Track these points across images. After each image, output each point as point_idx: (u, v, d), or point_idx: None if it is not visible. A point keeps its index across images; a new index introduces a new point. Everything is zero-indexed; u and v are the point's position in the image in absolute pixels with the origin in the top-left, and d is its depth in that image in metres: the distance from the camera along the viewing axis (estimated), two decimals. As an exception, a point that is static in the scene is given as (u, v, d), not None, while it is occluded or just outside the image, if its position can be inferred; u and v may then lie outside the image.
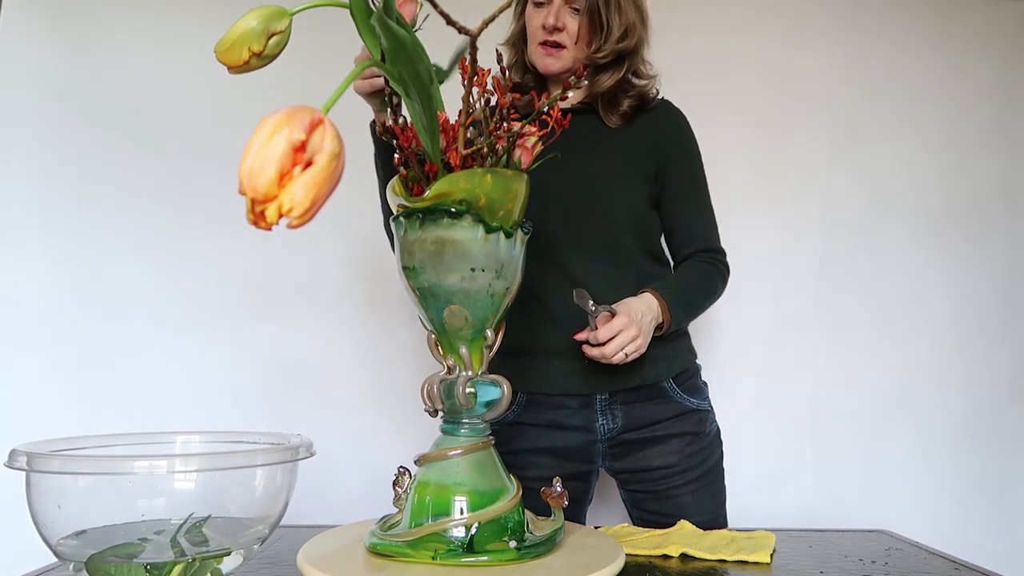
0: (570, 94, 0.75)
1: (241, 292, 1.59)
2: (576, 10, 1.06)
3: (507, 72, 0.75)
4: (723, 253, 1.17)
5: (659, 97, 1.17)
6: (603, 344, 0.96)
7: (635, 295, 1.05)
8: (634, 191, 1.11)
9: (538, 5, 1.08)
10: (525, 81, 1.15)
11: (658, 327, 1.04)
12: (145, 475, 0.65)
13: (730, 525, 1.13)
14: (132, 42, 1.56)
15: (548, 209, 1.08)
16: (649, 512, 1.12)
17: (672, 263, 1.18)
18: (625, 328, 0.96)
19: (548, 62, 1.08)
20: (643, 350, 0.99)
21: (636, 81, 1.14)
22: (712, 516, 1.10)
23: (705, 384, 1.19)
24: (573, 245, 1.09)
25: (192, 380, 1.54)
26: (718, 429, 1.17)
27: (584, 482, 1.15)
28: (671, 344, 1.12)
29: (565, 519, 0.83)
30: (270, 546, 0.87)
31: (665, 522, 1.06)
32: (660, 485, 1.10)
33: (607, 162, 1.11)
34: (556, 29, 1.06)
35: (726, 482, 1.17)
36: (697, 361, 1.19)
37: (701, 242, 1.15)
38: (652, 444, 1.10)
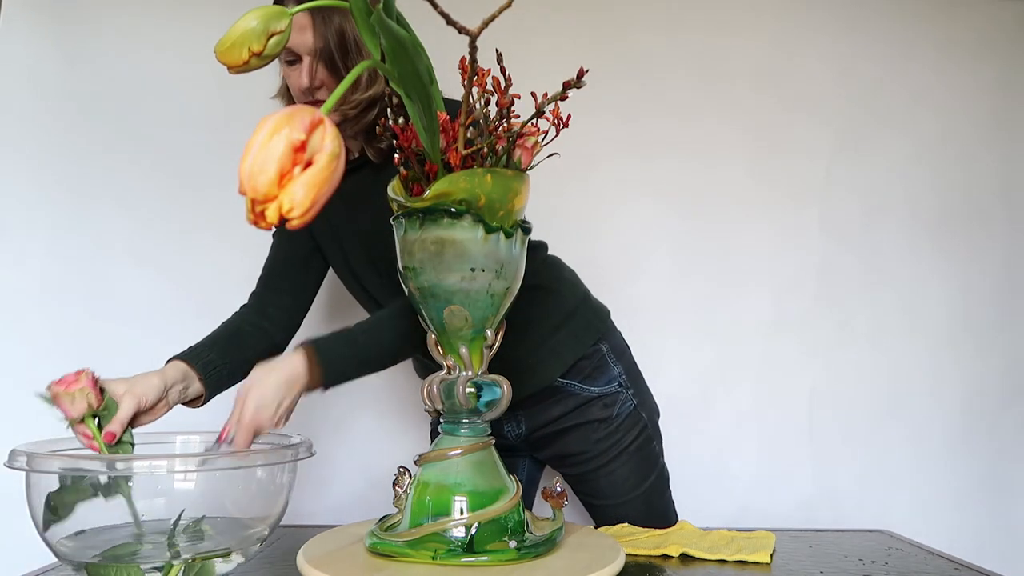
0: (570, 93, 0.75)
1: (241, 292, 1.58)
2: (326, 63, 0.98)
3: (506, 72, 0.75)
4: None
5: None
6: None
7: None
8: None
9: (289, 63, 1.00)
10: None
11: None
12: (145, 475, 0.65)
13: (730, 525, 1.13)
14: (132, 43, 1.56)
15: (352, 268, 1.11)
16: (581, 494, 1.12)
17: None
18: (236, 418, 0.85)
19: None
20: (263, 418, 0.85)
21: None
22: (633, 496, 1.07)
23: (616, 359, 1.11)
24: (385, 290, 1.08)
25: (192, 380, 1.54)
26: (634, 405, 1.10)
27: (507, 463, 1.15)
28: (549, 342, 1.07)
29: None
30: (270, 546, 0.87)
31: (593, 503, 1.09)
32: (578, 469, 1.10)
33: (379, 213, 0.97)
34: (314, 88, 0.98)
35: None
36: (598, 342, 1.10)
37: None
38: (563, 435, 1.09)
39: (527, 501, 1.19)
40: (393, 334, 0.98)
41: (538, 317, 1.08)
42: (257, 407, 0.84)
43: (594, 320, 1.13)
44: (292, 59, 0.98)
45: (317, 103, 0.99)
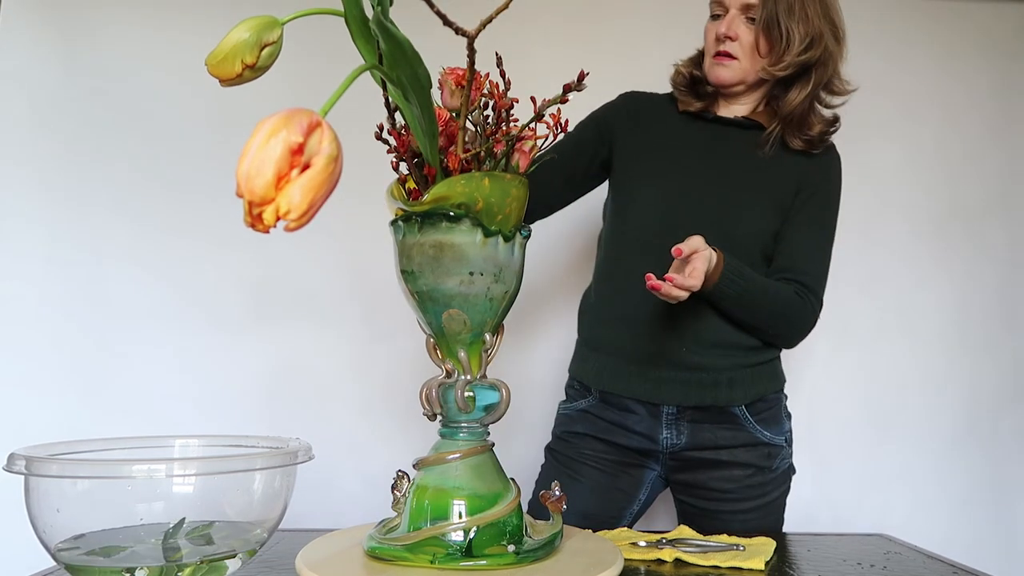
0: (570, 96, 0.75)
1: (240, 295, 1.59)
2: (752, 20, 1.04)
3: (505, 75, 0.75)
4: (818, 298, 1.07)
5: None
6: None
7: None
8: (763, 220, 1.07)
9: (714, 17, 1.08)
10: (700, 93, 1.14)
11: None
12: (144, 479, 0.65)
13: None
14: (132, 45, 1.56)
15: (668, 215, 1.07)
16: (698, 529, 1.10)
17: None
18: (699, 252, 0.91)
19: (717, 71, 1.07)
20: (697, 281, 0.89)
21: (829, 98, 1.11)
22: None
23: (788, 416, 1.13)
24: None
25: (191, 384, 1.54)
26: (790, 466, 1.12)
27: (634, 475, 1.12)
28: (752, 368, 1.08)
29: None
30: (268, 550, 0.87)
31: None
32: (712, 505, 1.08)
33: (746, 185, 1.08)
34: (727, 38, 1.05)
35: None
36: (784, 391, 1.13)
37: (800, 274, 1.07)
38: (713, 467, 1.07)
39: (635, 517, 1.16)
40: (780, 297, 1.02)
41: (757, 342, 1.09)
42: (702, 271, 0.90)
43: (781, 367, 1.15)
44: (719, 13, 1.07)
45: (723, 54, 1.06)
